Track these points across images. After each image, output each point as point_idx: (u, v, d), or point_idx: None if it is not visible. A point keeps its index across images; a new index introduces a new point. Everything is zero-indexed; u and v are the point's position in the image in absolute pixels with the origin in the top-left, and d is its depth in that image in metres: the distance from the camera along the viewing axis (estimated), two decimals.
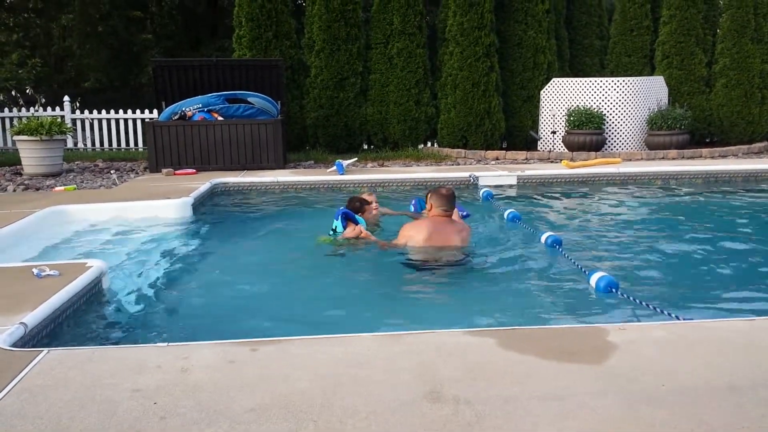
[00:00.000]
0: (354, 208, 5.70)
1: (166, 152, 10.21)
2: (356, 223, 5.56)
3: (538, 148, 12.92)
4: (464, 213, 6.37)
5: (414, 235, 5.20)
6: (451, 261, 5.09)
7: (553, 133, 12.50)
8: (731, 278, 5.01)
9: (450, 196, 5.28)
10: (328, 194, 8.75)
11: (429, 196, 5.33)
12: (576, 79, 12.66)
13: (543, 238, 5.53)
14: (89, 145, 14.25)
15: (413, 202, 6.78)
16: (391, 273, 4.99)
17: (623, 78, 12.41)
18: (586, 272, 4.53)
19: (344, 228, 5.55)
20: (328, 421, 2.33)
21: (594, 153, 11.67)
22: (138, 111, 14.13)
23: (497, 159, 12.00)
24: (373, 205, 6.16)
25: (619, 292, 4.16)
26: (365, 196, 6.16)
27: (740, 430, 2.24)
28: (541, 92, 12.94)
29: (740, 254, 5.73)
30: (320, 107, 12.88)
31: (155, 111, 12.53)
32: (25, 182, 9.40)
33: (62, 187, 8.67)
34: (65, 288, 3.79)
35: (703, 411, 2.37)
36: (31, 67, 15.67)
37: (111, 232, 6.38)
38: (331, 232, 5.63)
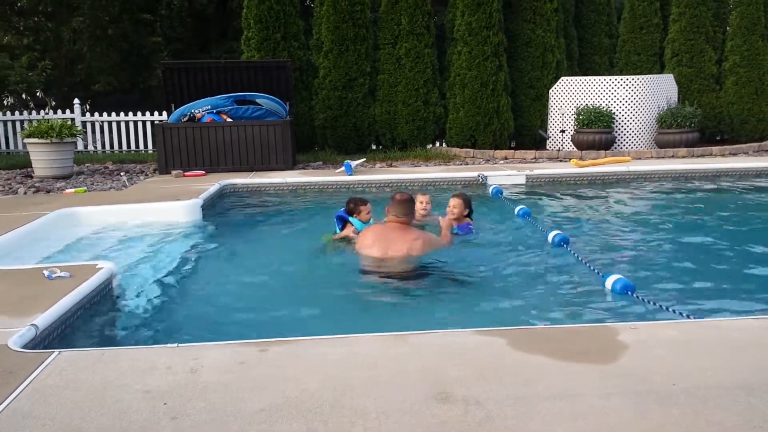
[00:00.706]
0: (348, 210, 5.77)
1: (176, 154, 10.25)
2: (344, 222, 5.72)
3: (547, 147, 12.88)
4: (458, 232, 5.84)
5: (361, 241, 5.09)
6: (392, 272, 4.84)
7: (562, 132, 12.46)
8: (743, 277, 4.98)
9: (403, 202, 5.06)
10: (336, 195, 8.75)
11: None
12: (585, 77, 12.61)
13: (550, 237, 5.51)
14: (99, 147, 14.32)
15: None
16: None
17: (632, 76, 12.35)
18: (601, 274, 4.50)
19: (340, 229, 5.75)
20: (338, 422, 2.33)
21: (603, 152, 11.62)
22: (147, 113, 14.18)
23: (506, 158, 11.97)
24: (421, 205, 6.00)
25: (634, 294, 4.14)
26: (419, 196, 6.09)
27: (752, 430, 2.22)
28: (550, 91, 12.90)
29: (751, 252, 5.69)
30: (329, 108, 12.89)
31: (165, 113, 12.59)
32: (36, 184, 9.46)
33: (73, 190, 8.72)
34: (76, 290, 3.81)
35: (714, 411, 2.36)
36: (42, 70, 15.76)
37: (121, 233, 6.41)
38: (335, 232, 5.83)
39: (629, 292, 4.17)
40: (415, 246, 4.98)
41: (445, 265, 5.04)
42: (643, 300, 4.00)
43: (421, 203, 5.98)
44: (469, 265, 5.17)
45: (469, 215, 6.03)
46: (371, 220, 5.85)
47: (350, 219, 5.70)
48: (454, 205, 5.94)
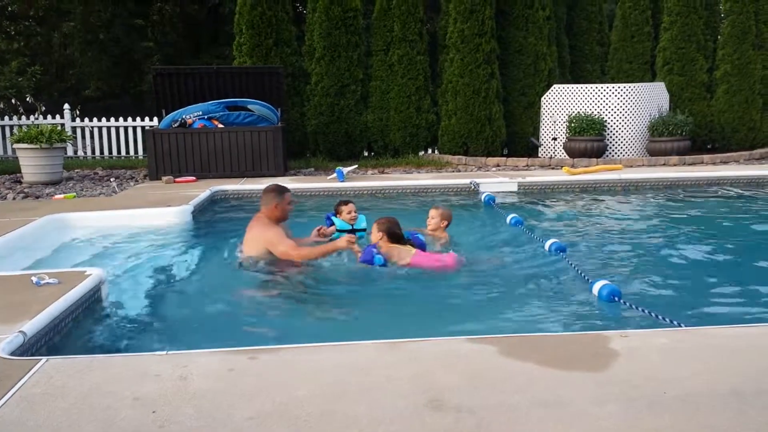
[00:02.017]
0: (335, 210, 5.99)
1: (166, 160, 10.22)
2: (332, 224, 5.89)
3: (539, 154, 12.91)
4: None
5: None
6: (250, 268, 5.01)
7: (554, 139, 12.50)
8: (734, 284, 4.99)
9: (264, 192, 5.21)
10: (328, 201, 8.72)
11: None
12: (577, 85, 12.67)
13: (547, 245, 5.50)
14: (89, 153, 14.27)
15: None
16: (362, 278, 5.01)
17: (624, 84, 12.42)
18: (589, 281, 4.50)
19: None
20: (328, 429, 2.31)
21: (595, 159, 11.66)
22: (138, 119, 14.14)
23: (498, 166, 12.00)
24: (427, 220, 5.94)
25: (621, 301, 4.13)
26: (432, 211, 6.01)
27: None
28: (542, 99, 12.94)
29: (742, 260, 5.71)
30: (321, 114, 12.89)
31: (155, 119, 12.54)
32: (25, 190, 9.40)
33: (62, 195, 8.67)
34: (64, 296, 3.77)
35: (705, 418, 2.36)
36: (32, 75, 15.68)
37: (110, 240, 6.37)
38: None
39: (616, 298, 4.17)
40: (248, 239, 5.08)
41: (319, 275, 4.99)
42: (633, 307, 3.99)
43: (427, 218, 5.90)
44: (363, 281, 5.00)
45: (397, 241, 5.08)
46: (364, 221, 5.91)
47: (333, 219, 5.85)
48: (371, 231, 5.24)
